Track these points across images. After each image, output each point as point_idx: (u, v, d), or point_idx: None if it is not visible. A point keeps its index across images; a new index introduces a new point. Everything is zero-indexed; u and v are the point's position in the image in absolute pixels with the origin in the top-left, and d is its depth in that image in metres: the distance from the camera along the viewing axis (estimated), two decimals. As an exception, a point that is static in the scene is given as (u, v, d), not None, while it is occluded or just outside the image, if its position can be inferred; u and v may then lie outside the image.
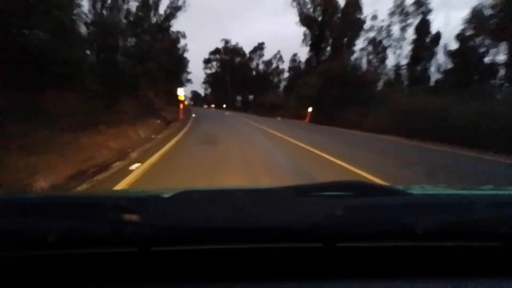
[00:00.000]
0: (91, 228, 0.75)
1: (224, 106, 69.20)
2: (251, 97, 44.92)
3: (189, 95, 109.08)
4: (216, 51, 73.72)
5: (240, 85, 66.78)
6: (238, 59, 71.88)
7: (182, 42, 54.09)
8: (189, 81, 74.47)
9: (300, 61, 51.37)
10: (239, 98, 56.64)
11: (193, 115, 24.17)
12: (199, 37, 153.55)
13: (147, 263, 0.80)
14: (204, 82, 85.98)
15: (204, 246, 0.81)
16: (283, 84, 58.01)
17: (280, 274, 0.79)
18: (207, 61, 76.77)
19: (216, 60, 75.84)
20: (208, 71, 77.53)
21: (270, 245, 0.81)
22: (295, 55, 54.09)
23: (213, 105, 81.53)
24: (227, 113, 37.55)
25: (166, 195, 0.88)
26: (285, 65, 67.91)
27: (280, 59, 68.62)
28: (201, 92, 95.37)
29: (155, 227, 0.74)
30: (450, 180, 5.39)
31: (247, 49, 77.96)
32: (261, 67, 69.66)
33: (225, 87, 71.32)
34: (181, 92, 24.05)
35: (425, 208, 0.86)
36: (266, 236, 0.78)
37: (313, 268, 0.81)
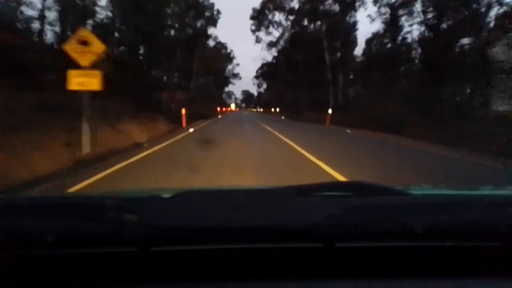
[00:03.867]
0: (91, 228, 0.76)
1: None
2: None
3: (240, 97, 78.74)
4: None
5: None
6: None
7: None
8: (236, 76, 48.16)
9: None
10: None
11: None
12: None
13: (147, 263, 0.80)
14: (256, 76, 52.00)
15: (204, 246, 0.81)
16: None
17: (280, 274, 0.79)
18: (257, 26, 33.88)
19: (273, 23, 33.80)
20: (259, 47, 38.63)
21: (269, 245, 0.81)
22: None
23: (274, 109, 43.87)
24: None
25: (165, 195, 0.88)
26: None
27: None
28: (255, 91, 60.67)
29: (155, 227, 0.74)
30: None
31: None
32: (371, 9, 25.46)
33: (295, 74, 32.81)
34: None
35: (425, 208, 0.86)
36: (266, 236, 0.78)
37: (313, 268, 0.81)
